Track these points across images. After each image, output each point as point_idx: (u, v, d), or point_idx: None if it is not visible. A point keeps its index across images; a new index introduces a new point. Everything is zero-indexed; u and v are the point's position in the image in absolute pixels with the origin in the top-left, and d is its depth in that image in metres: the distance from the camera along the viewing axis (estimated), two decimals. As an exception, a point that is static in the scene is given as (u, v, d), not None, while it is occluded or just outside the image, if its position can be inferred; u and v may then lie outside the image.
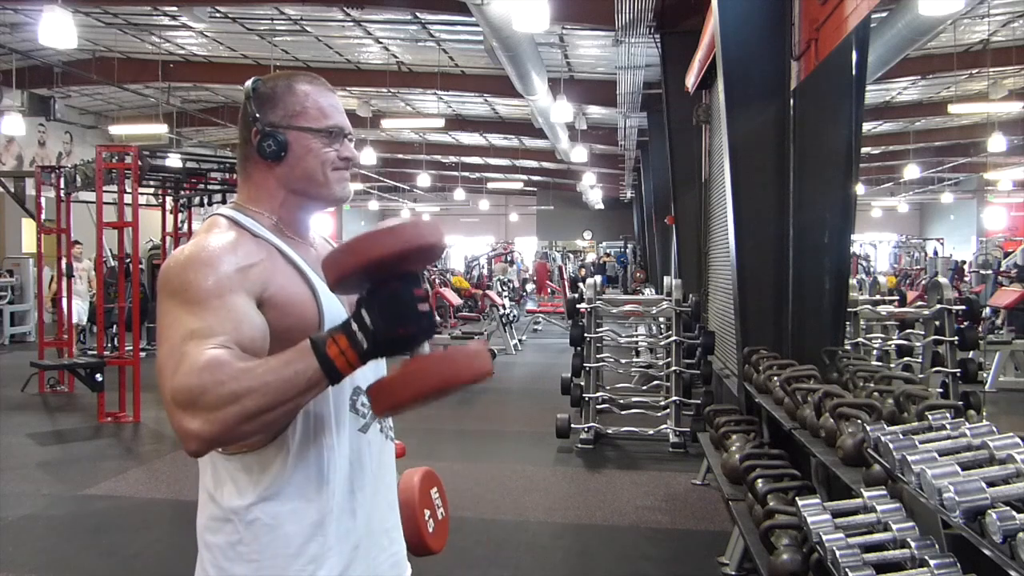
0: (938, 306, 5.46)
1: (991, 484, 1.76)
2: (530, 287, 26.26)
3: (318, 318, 1.41)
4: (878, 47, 7.68)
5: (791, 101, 4.46)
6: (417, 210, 32.89)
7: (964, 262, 16.36)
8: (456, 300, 15.82)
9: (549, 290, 22.29)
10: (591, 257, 31.20)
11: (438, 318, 13.97)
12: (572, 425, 6.65)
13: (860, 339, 5.59)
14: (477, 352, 1.26)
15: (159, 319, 1.35)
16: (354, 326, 1.22)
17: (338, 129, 1.51)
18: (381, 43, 12.57)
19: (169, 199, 10.17)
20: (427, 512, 1.71)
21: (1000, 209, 22.91)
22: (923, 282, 14.28)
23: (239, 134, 1.53)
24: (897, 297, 6.83)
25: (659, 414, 6.84)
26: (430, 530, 1.71)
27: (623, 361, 8.27)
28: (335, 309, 1.45)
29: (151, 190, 9.84)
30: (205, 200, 9.89)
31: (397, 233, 1.21)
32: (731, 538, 4.18)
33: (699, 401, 6.59)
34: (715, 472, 4.22)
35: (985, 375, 7.88)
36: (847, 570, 2.06)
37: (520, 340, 14.14)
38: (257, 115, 1.47)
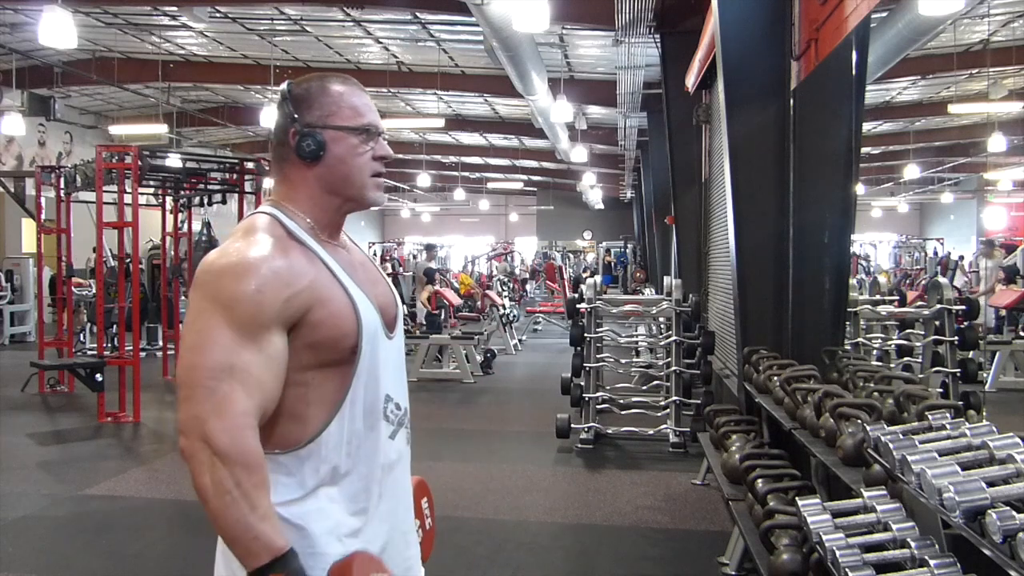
0: (938, 306, 5.46)
1: (991, 484, 1.76)
2: (531, 286, 26.28)
3: (356, 328, 1.45)
4: (878, 47, 7.68)
5: (791, 101, 4.46)
6: (417, 210, 32.89)
7: (949, 251, 16.33)
8: (456, 300, 15.79)
9: (550, 290, 22.31)
10: (591, 257, 31.19)
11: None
12: (572, 425, 6.65)
13: (860, 339, 5.59)
14: None
15: (191, 311, 1.39)
16: None
17: (373, 127, 1.54)
18: (381, 43, 12.56)
19: (169, 199, 10.17)
20: (416, 523, 1.72)
21: (1000, 209, 22.85)
22: (922, 282, 14.27)
23: (275, 136, 1.54)
24: (897, 297, 6.83)
25: (659, 414, 6.83)
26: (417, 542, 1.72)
27: (623, 361, 8.27)
28: (372, 320, 1.48)
29: (151, 190, 9.83)
30: (205, 200, 9.88)
31: None
32: (731, 538, 4.18)
33: (699, 401, 6.59)
34: (715, 472, 4.23)
35: (985, 375, 7.87)
36: (847, 570, 2.06)
37: (520, 340, 14.14)
38: (295, 116, 1.49)
